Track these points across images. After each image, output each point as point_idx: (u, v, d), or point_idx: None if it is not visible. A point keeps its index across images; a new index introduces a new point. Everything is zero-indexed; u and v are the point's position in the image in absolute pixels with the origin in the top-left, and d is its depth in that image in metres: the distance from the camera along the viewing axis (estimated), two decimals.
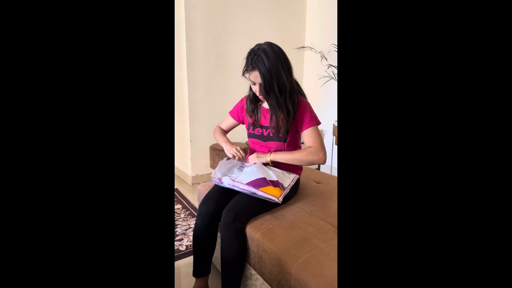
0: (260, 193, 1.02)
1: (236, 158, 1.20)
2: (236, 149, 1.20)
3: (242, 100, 1.29)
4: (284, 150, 1.18)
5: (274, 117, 1.13)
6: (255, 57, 1.05)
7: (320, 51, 2.60)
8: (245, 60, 1.10)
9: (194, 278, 1.14)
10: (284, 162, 1.14)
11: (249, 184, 1.04)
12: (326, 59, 2.54)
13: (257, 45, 1.10)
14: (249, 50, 1.10)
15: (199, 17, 2.25)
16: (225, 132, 1.38)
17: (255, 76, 1.07)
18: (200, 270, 1.11)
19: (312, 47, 2.67)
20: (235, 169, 1.17)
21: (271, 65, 1.04)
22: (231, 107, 1.35)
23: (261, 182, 1.04)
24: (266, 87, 1.07)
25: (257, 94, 1.12)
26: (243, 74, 1.13)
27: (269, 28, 2.64)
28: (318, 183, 1.41)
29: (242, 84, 1.22)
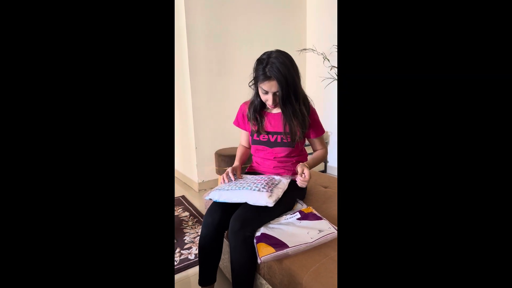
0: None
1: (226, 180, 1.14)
2: (226, 173, 1.15)
3: (241, 107, 1.26)
4: (291, 155, 1.18)
5: (288, 126, 1.11)
6: (269, 65, 1.00)
7: (322, 52, 2.58)
8: (254, 69, 1.06)
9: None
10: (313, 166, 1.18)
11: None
12: (328, 60, 2.53)
13: (265, 53, 1.05)
14: (257, 58, 1.06)
15: (200, 23, 2.26)
16: (246, 148, 1.34)
17: (271, 85, 1.02)
18: (206, 279, 1.11)
19: (314, 48, 2.66)
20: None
21: (287, 73, 1.00)
22: (235, 112, 1.32)
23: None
24: (284, 97, 1.03)
25: (270, 103, 1.07)
26: (252, 84, 1.09)
27: (270, 31, 2.63)
28: (325, 187, 1.40)
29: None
